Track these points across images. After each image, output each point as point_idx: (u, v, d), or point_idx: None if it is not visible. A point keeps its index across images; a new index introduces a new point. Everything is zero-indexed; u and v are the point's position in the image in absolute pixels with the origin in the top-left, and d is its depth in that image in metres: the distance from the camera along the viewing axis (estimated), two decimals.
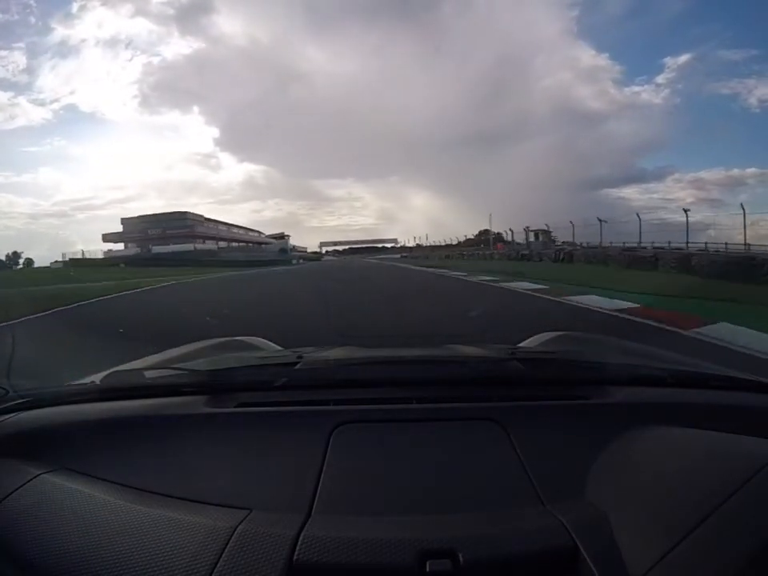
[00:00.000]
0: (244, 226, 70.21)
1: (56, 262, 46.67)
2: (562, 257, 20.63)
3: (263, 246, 66.92)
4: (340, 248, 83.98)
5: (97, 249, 51.04)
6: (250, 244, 66.33)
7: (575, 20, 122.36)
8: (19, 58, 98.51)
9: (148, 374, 1.00)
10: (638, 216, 20.61)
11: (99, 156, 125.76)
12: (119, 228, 56.69)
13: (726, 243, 17.51)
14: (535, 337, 1.45)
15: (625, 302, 6.64)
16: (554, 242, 26.53)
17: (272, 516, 0.58)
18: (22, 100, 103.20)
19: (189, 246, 48.26)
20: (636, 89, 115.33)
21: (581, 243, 23.43)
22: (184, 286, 15.01)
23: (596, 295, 7.57)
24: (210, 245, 54.26)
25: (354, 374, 0.96)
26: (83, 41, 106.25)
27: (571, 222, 24.03)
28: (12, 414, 0.84)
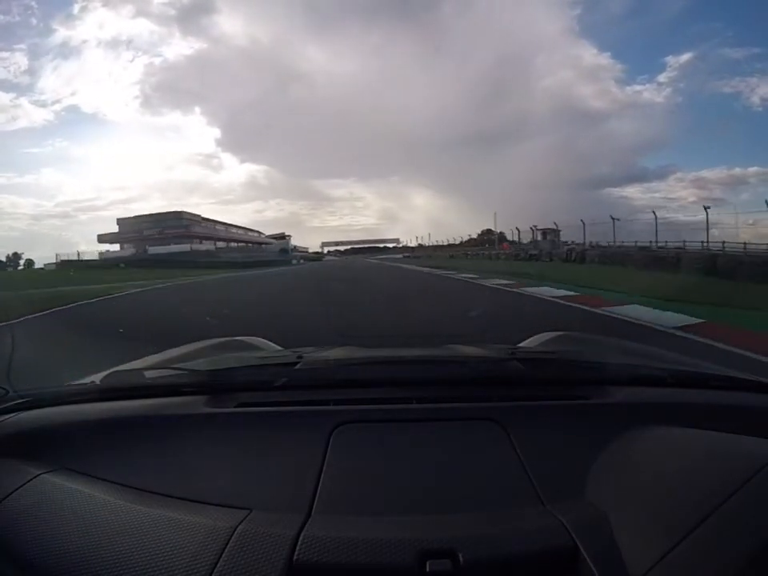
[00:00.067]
0: (244, 225, 70.07)
1: (49, 263, 45.94)
2: (573, 257, 19.93)
3: (263, 246, 66.71)
4: (342, 248, 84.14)
5: (94, 250, 50.54)
6: (250, 244, 65.99)
7: (577, 19, 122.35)
8: (21, 59, 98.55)
9: (148, 374, 1.00)
10: (654, 213, 19.66)
11: (101, 157, 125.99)
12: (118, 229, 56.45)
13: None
14: (535, 337, 1.45)
15: (682, 316, 5.49)
16: (565, 242, 25.95)
17: (272, 516, 0.58)
18: (23, 101, 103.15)
19: (185, 247, 47.32)
20: (638, 87, 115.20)
21: (590, 243, 22.79)
22: (160, 291, 12.84)
23: (638, 305, 6.53)
24: (207, 245, 53.70)
25: (354, 374, 0.96)
26: (85, 42, 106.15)
27: (582, 220, 23.17)
28: (12, 414, 0.84)
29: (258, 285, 15.28)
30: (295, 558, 0.51)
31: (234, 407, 0.85)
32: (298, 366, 0.95)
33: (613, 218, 20.93)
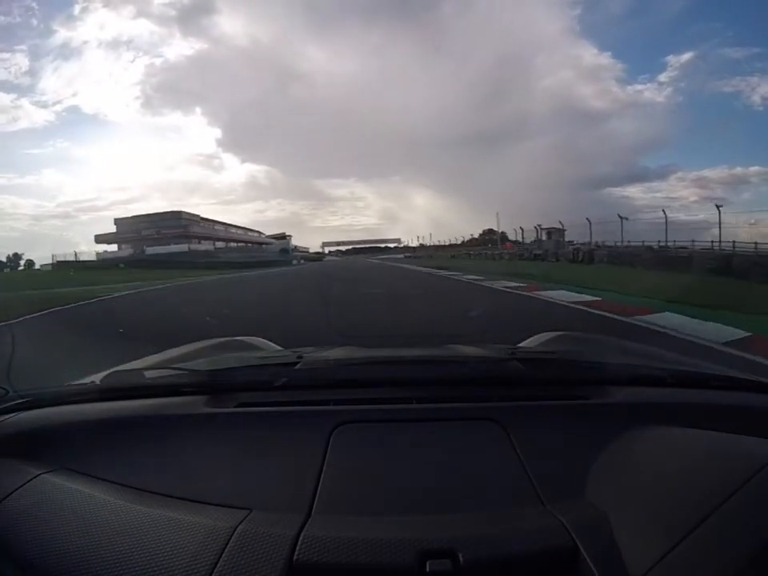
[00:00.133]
0: (243, 225, 69.81)
1: (45, 264, 45.01)
2: (581, 257, 19.31)
3: (263, 246, 66.49)
4: (343, 248, 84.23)
5: (92, 250, 49.72)
6: (249, 244, 65.70)
7: (577, 18, 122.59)
8: (21, 60, 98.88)
9: (148, 374, 1.00)
10: (664, 212, 18.67)
11: (102, 157, 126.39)
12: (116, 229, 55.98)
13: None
14: (535, 337, 1.45)
15: (724, 326, 4.82)
16: (569, 242, 25.39)
17: (272, 516, 0.58)
18: (24, 102, 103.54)
19: (183, 247, 46.58)
20: (638, 87, 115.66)
21: (595, 243, 22.10)
22: (144, 295, 11.90)
23: (671, 312, 5.80)
24: (206, 245, 53.16)
25: (354, 374, 0.96)
26: (85, 43, 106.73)
27: (588, 219, 22.29)
28: (12, 414, 0.84)
29: (259, 285, 15.23)
30: (295, 558, 0.51)
31: (234, 407, 0.85)
32: (298, 366, 0.95)
33: (621, 217, 20.21)
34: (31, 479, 0.67)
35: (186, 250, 46.01)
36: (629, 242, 20.09)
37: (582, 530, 0.53)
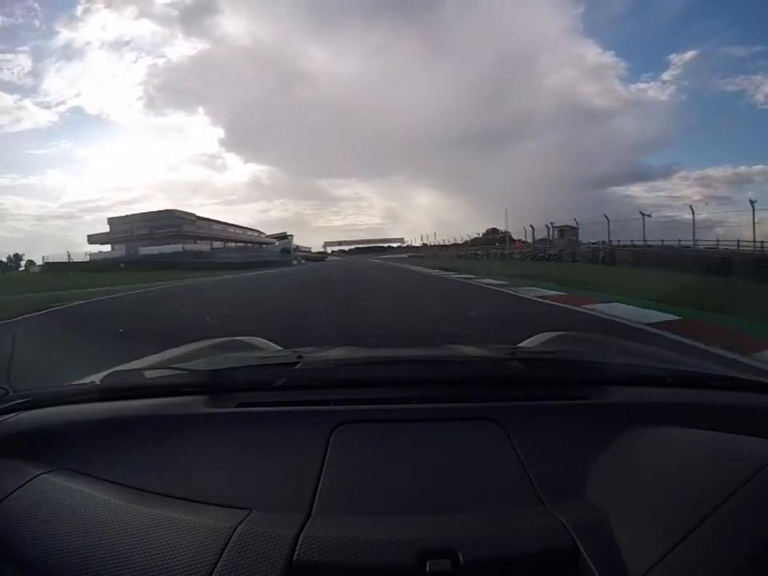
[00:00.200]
0: (243, 225, 69.34)
1: (34, 266, 43.40)
2: (602, 257, 17.48)
3: (263, 246, 66.13)
4: (345, 248, 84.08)
5: (86, 251, 48.57)
6: (249, 244, 65.10)
7: (580, 17, 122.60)
8: (24, 61, 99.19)
9: (148, 374, 1.00)
10: (692, 209, 17.44)
11: (105, 158, 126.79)
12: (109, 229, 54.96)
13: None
14: (535, 337, 1.45)
15: None
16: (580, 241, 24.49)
17: (272, 516, 0.58)
18: (27, 103, 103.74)
19: (177, 247, 44.70)
20: (642, 86, 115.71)
21: (610, 242, 20.82)
22: (113, 302, 10.30)
23: None
24: (202, 245, 51.80)
25: (354, 374, 0.96)
26: (88, 43, 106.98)
27: (606, 216, 20.81)
28: (12, 414, 0.84)
29: (256, 285, 15.11)
30: (295, 558, 0.51)
31: (234, 407, 0.85)
32: (298, 366, 0.95)
33: (643, 214, 18.91)
34: (31, 479, 0.67)
35: (180, 249, 44.49)
36: (646, 241, 18.88)
37: (581, 530, 0.53)
